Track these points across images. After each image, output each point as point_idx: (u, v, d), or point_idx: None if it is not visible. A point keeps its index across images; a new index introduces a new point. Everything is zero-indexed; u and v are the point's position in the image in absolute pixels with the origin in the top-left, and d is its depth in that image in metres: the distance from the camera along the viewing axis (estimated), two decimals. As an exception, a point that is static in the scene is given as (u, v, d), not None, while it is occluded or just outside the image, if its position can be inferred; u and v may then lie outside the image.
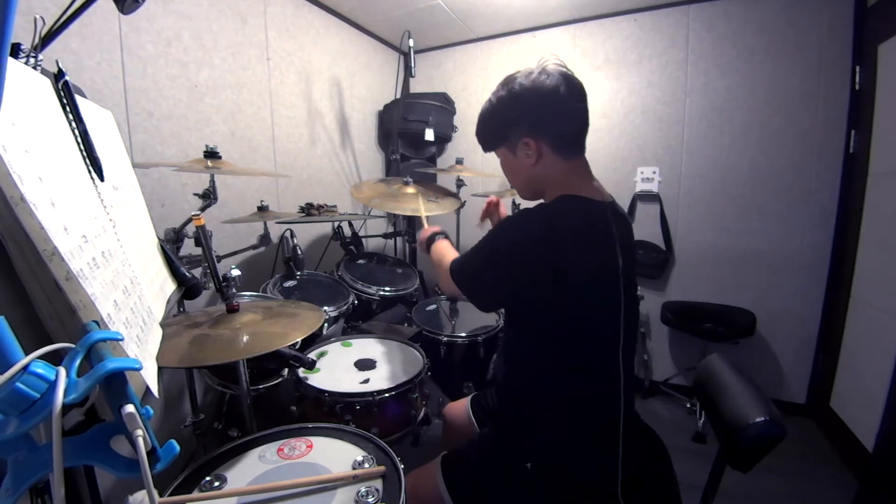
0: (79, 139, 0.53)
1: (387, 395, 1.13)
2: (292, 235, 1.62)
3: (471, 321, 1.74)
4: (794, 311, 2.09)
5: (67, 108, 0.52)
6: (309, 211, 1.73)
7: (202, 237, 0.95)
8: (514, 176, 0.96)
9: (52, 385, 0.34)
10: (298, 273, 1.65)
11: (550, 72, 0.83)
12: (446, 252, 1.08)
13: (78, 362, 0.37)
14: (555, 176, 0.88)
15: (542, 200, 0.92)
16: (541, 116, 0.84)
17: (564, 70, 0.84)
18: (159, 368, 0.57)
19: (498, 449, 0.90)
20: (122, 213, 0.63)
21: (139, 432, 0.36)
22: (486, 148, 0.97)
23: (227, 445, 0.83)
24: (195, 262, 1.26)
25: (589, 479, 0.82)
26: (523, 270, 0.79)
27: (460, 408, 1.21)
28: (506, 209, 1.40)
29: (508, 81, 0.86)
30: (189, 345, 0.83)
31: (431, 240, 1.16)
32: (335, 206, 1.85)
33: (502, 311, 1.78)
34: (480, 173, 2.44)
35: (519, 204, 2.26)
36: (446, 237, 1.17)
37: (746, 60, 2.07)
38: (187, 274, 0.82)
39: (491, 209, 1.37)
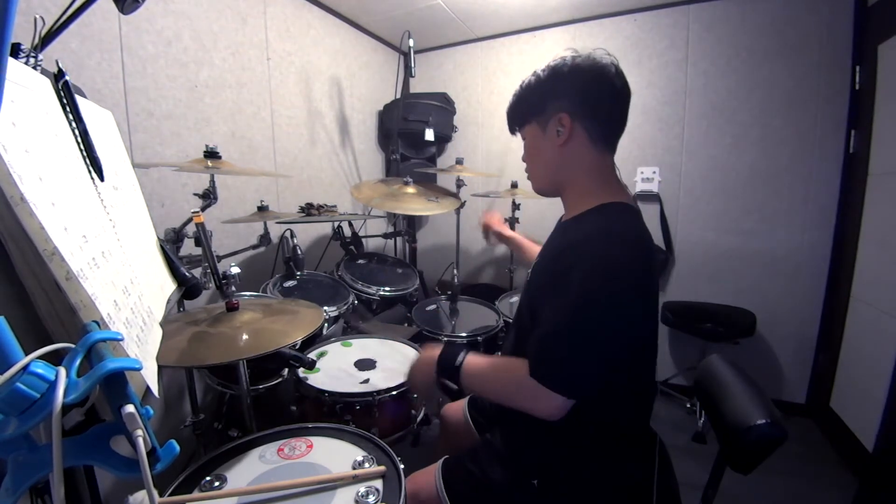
0: (79, 139, 0.53)
1: (387, 395, 1.13)
2: (292, 235, 1.62)
3: (470, 321, 1.75)
4: (794, 311, 2.08)
5: (67, 108, 0.52)
6: (309, 211, 1.73)
7: (202, 234, 0.95)
8: (537, 159, 0.86)
9: (52, 385, 0.34)
10: (298, 273, 1.65)
11: (605, 56, 0.79)
12: (491, 364, 0.81)
13: (78, 362, 0.37)
14: (583, 168, 0.81)
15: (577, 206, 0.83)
16: (586, 93, 0.78)
17: (618, 64, 0.81)
18: (159, 368, 0.57)
19: (501, 464, 0.84)
20: (122, 213, 0.63)
21: (139, 432, 0.36)
22: (516, 124, 0.88)
23: (227, 445, 0.83)
24: (195, 262, 1.26)
25: (614, 496, 0.77)
26: (633, 318, 0.72)
27: (458, 409, 1.19)
28: (505, 226, 1.37)
29: (561, 57, 0.80)
30: (189, 343, 0.84)
31: (453, 363, 0.81)
32: (335, 206, 1.85)
33: (502, 312, 1.79)
34: (480, 173, 2.45)
35: (519, 204, 2.25)
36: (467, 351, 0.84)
37: (746, 60, 2.07)
38: (187, 274, 0.82)
39: (490, 229, 1.34)
